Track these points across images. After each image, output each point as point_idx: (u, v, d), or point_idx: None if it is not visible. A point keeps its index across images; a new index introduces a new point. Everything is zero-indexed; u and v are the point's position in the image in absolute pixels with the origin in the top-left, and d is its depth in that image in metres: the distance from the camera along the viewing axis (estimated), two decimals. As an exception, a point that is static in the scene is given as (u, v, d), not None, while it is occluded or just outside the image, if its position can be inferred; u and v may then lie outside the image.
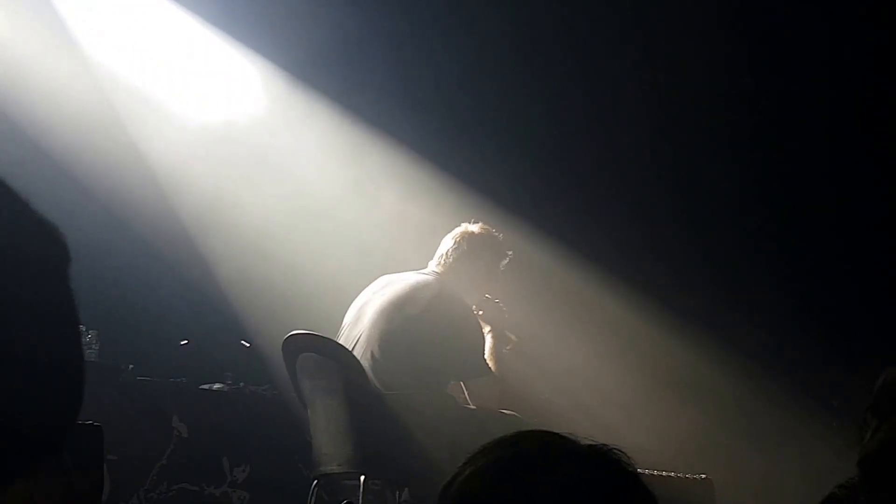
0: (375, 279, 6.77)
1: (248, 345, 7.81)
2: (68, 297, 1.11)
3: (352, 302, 6.74)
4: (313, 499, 6.50)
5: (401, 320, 6.50)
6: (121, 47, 7.96)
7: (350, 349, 6.50)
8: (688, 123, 7.84)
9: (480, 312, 6.68)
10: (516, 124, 8.05)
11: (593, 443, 1.81)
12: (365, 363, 6.44)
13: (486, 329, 6.69)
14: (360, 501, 6.12)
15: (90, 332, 7.79)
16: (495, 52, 8.05)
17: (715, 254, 7.86)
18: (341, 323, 6.72)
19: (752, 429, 7.53)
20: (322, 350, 6.51)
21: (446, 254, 6.67)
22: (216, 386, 7.88)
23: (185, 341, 8.03)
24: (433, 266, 6.70)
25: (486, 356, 6.64)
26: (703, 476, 6.12)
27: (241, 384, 7.89)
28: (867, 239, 7.63)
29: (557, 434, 1.78)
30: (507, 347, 6.77)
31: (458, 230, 6.74)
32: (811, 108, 7.71)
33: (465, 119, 8.02)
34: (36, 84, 7.66)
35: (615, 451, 1.81)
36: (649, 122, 7.94)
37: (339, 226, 7.89)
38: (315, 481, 6.51)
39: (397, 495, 6.32)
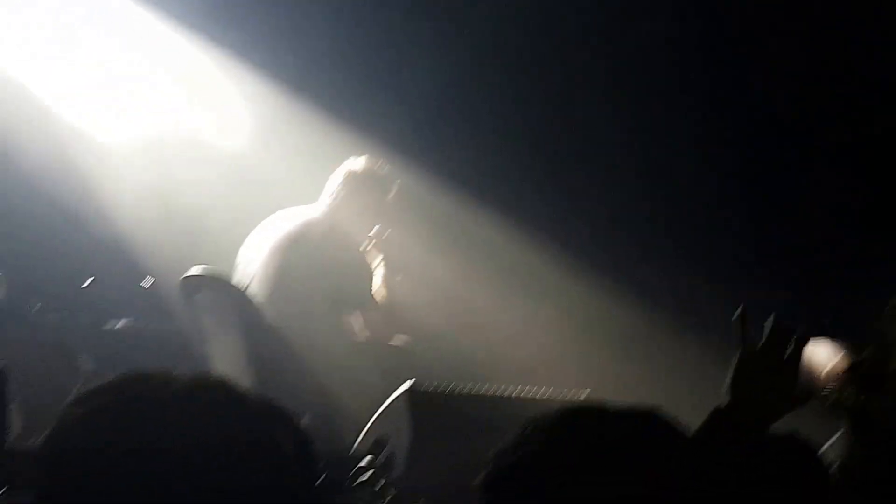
0: (268, 216, 6.97)
1: (149, 282, 7.98)
2: None
3: (246, 240, 6.95)
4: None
5: (294, 256, 6.72)
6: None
7: (246, 286, 6.73)
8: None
9: (371, 244, 6.91)
10: (401, 61, 8.22)
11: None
12: (260, 299, 6.67)
13: (378, 259, 6.92)
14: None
15: (-3, 274, 7.93)
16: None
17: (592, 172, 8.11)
18: (236, 260, 6.93)
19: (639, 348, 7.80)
20: (218, 288, 6.74)
21: (335, 191, 6.89)
22: (119, 324, 8.06)
23: (90, 280, 8.18)
24: (324, 202, 6.92)
25: (376, 288, 6.88)
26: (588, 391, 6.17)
27: (144, 322, 8.07)
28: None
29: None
30: (398, 277, 7.01)
31: (344, 166, 6.95)
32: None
33: (343, 50, 8.16)
34: None
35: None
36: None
37: (234, 166, 8.05)
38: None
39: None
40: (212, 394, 1.59)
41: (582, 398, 6.24)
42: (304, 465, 1.65)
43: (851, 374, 2.89)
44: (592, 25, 8.10)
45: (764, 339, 2.40)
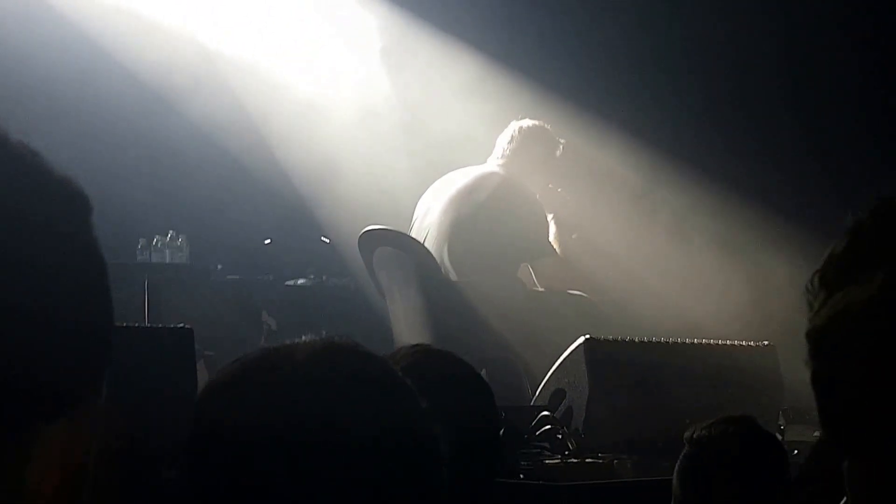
0: (441, 176, 7.07)
1: (327, 241, 8.13)
2: (92, 250, 1.11)
3: (421, 196, 7.05)
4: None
5: (469, 208, 6.80)
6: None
7: (422, 241, 6.82)
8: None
9: (543, 201, 6.96)
10: (581, 23, 8.23)
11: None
12: (437, 253, 6.76)
13: (550, 217, 6.97)
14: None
15: (180, 236, 8.17)
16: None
17: (758, 124, 8.04)
18: (412, 216, 7.03)
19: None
20: (396, 243, 6.84)
21: (504, 148, 6.96)
22: (300, 281, 8.25)
23: (269, 240, 8.38)
24: (493, 160, 6.98)
25: (550, 240, 6.93)
26: (766, 343, 6.20)
27: (324, 278, 8.25)
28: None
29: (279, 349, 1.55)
30: (574, 236, 7.07)
31: (510, 126, 7.02)
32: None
33: (522, 18, 8.21)
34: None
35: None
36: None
37: (408, 132, 8.15)
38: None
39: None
40: (334, 356, 1.54)
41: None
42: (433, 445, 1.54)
43: None
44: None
45: None
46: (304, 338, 1.57)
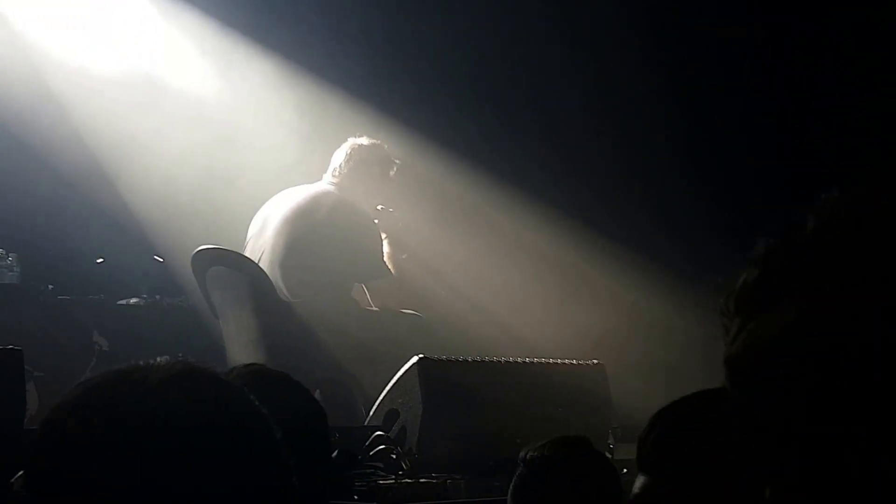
0: (275, 194, 7.05)
1: (160, 260, 8.05)
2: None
3: (254, 215, 7.03)
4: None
5: (304, 227, 6.79)
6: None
7: (256, 260, 6.80)
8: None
9: (377, 221, 6.99)
10: (404, 39, 8.28)
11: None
12: (270, 273, 6.74)
13: (384, 237, 7.00)
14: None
15: (10, 255, 8.00)
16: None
17: (583, 141, 8.14)
18: (246, 235, 7.00)
19: (642, 314, 7.85)
20: (230, 263, 6.81)
21: (339, 166, 6.97)
22: (132, 300, 8.14)
23: (101, 259, 8.26)
24: (328, 178, 6.99)
25: (384, 259, 6.96)
26: (595, 361, 6.30)
27: (157, 297, 8.15)
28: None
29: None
30: (404, 256, 7.11)
31: (347, 143, 7.03)
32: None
33: (353, 38, 8.23)
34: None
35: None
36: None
37: (242, 148, 8.12)
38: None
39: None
40: (191, 383, 1.52)
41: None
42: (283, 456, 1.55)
43: None
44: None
45: None
46: (159, 359, 1.53)
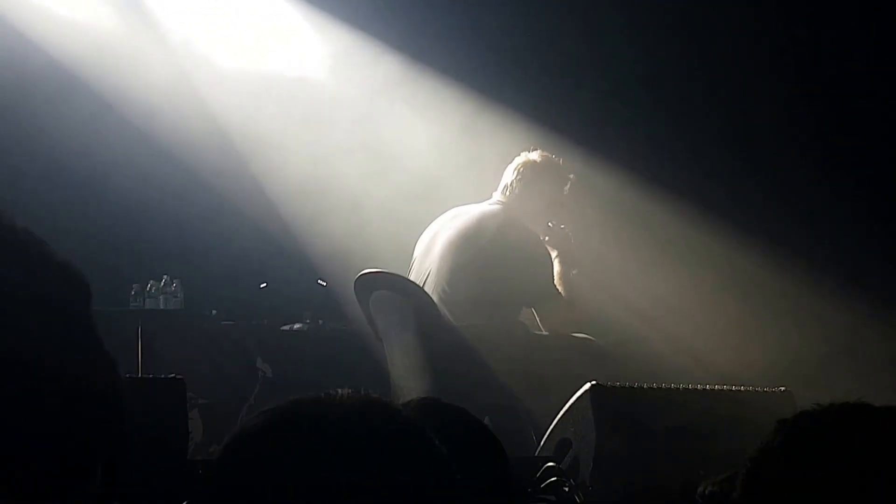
0: (442, 213, 6.88)
1: (324, 284, 7.96)
2: (92, 335, 1.17)
3: (419, 236, 6.86)
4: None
5: (470, 251, 6.60)
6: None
7: (421, 284, 6.63)
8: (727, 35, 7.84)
9: (547, 238, 6.76)
10: (566, 56, 8.08)
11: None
12: (436, 297, 6.56)
13: (554, 254, 6.77)
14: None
15: (174, 281, 8.01)
16: None
17: (769, 165, 7.85)
18: (411, 257, 6.84)
19: (834, 338, 7.50)
20: (394, 286, 6.64)
21: (510, 183, 6.74)
22: (296, 326, 8.07)
23: (265, 284, 8.21)
24: (498, 196, 6.78)
25: (554, 281, 6.73)
26: (783, 389, 5.99)
27: (321, 322, 8.07)
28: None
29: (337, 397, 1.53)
30: (574, 271, 6.85)
31: (518, 159, 6.80)
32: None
33: (516, 55, 8.06)
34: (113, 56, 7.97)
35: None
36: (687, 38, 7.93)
37: (404, 167, 7.99)
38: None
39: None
40: (370, 418, 1.50)
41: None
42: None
43: None
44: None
45: None
46: (340, 392, 1.53)
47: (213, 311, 8.10)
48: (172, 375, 5.35)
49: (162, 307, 7.95)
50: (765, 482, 2.04)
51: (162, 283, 8.00)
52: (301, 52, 8.26)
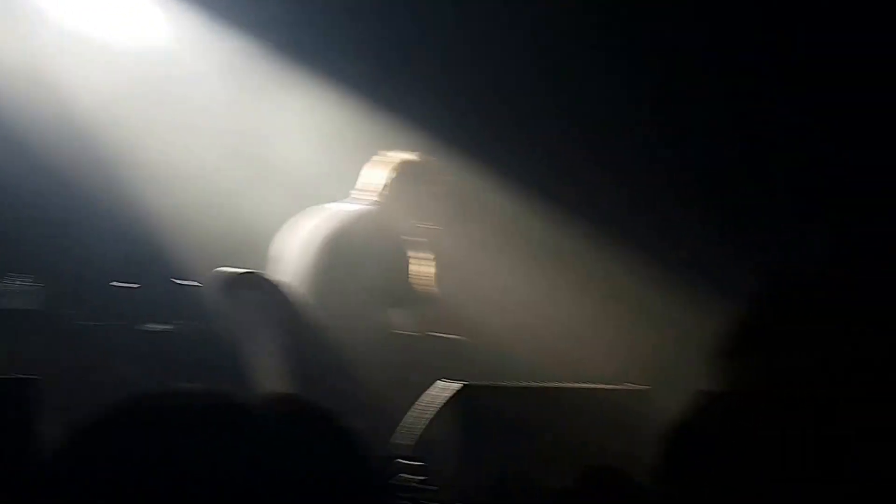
0: (308, 208, 6.83)
1: (181, 282, 7.87)
2: None
3: (286, 235, 6.81)
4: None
5: (338, 251, 6.59)
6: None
7: (288, 282, 6.60)
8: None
9: (420, 239, 6.75)
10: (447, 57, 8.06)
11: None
12: (304, 296, 6.54)
13: (428, 255, 6.77)
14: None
15: (23, 278, 7.85)
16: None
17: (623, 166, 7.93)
18: (275, 252, 6.78)
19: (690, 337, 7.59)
20: (258, 285, 6.61)
21: (383, 183, 6.73)
22: (155, 326, 7.96)
23: (124, 283, 8.09)
24: (368, 196, 6.76)
25: (425, 282, 6.73)
26: (639, 385, 6.15)
27: (181, 323, 7.96)
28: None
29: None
30: (445, 273, 6.87)
31: (392, 158, 6.79)
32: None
33: (393, 54, 8.02)
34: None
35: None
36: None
37: (270, 162, 7.92)
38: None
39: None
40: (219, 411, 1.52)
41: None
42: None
43: None
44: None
45: None
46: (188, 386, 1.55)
47: (73, 311, 7.97)
48: (26, 376, 5.26)
49: (16, 306, 7.80)
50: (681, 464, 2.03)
51: (16, 282, 7.85)
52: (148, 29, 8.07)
